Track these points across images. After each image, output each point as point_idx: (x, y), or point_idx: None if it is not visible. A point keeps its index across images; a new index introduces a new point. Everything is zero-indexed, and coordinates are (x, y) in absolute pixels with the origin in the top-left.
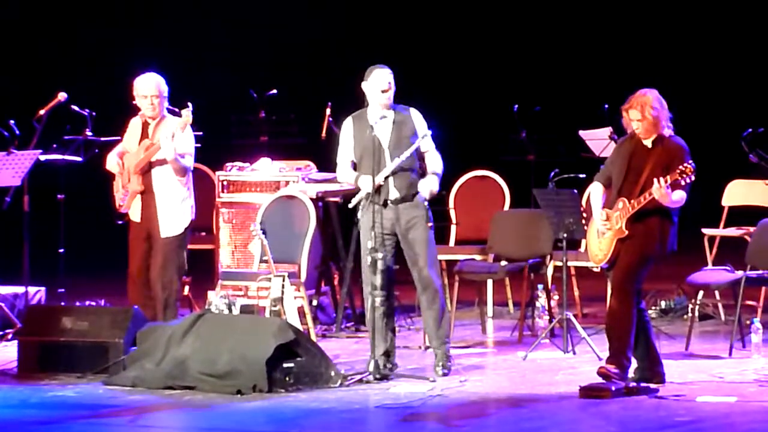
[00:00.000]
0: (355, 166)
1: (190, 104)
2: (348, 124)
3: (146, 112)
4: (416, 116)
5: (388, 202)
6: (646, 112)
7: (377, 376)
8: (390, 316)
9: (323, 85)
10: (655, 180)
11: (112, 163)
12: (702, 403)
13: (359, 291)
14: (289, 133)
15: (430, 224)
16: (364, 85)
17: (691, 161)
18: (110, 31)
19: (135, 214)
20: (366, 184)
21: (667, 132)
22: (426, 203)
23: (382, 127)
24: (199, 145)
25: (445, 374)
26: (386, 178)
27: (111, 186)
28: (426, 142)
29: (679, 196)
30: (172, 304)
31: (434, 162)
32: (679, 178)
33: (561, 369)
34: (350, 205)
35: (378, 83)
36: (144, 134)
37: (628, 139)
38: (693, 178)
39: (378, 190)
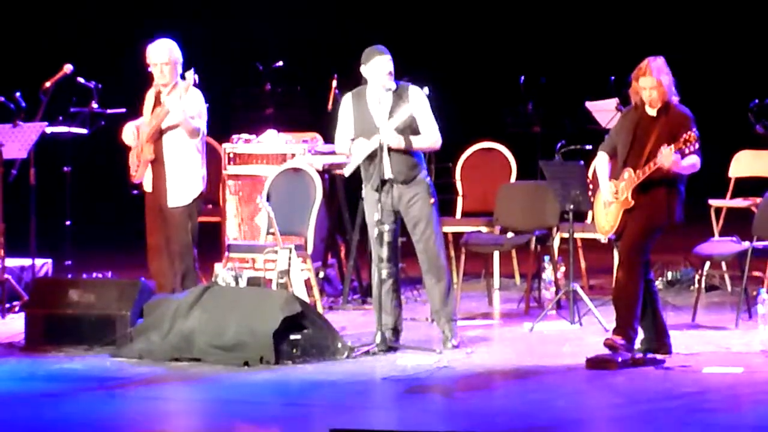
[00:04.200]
0: None
1: (193, 68)
2: (347, 102)
3: (158, 80)
4: (414, 94)
5: (387, 181)
6: (661, 78)
7: (383, 348)
8: (396, 290)
9: (329, 56)
10: (663, 147)
11: (127, 133)
12: (708, 374)
13: (365, 263)
14: (295, 105)
15: (432, 200)
16: (363, 69)
17: (695, 129)
18: (116, 2)
19: (147, 185)
20: (359, 150)
21: (675, 99)
22: (428, 179)
23: (381, 104)
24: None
25: (455, 347)
26: (380, 158)
27: (122, 157)
28: (423, 121)
29: (692, 162)
30: (190, 274)
31: (425, 134)
32: (683, 146)
33: (567, 340)
34: (346, 174)
35: (379, 71)
36: (157, 104)
37: (633, 110)
38: (697, 146)
39: (372, 164)
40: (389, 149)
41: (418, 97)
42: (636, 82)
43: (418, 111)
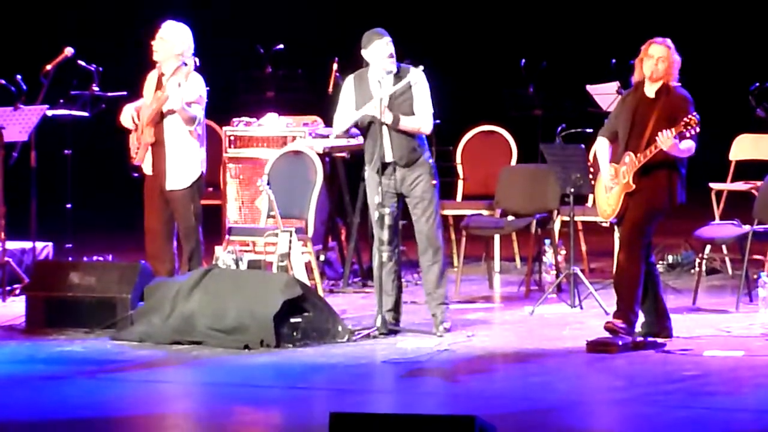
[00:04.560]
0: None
1: (193, 55)
2: (349, 83)
3: (154, 55)
4: (415, 76)
5: (388, 164)
6: (671, 52)
7: (384, 331)
8: (397, 272)
9: (330, 39)
10: (661, 132)
11: (126, 116)
12: (709, 357)
13: (366, 246)
14: (296, 88)
15: (434, 182)
16: (364, 53)
17: (695, 112)
18: None
19: (147, 167)
20: (352, 115)
21: (674, 84)
22: (431, 161)
23: (382, 87)
24: (206, 100)
25: (446, 330)
26: (381, 141)
27: (122, 140)
28: (418, 103)
29: (688, 146)
30: (196, 255)
31: (417, 115)
32: (684, 130)
33: (568, 324)
34: (334, 133)
35: (379, 54)
36: (159, 86)
37: (632, 92)
38: (698, 129)
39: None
40: (388, 129)
41: (418, 79)
42: (645, 49)
43: (415, 92)
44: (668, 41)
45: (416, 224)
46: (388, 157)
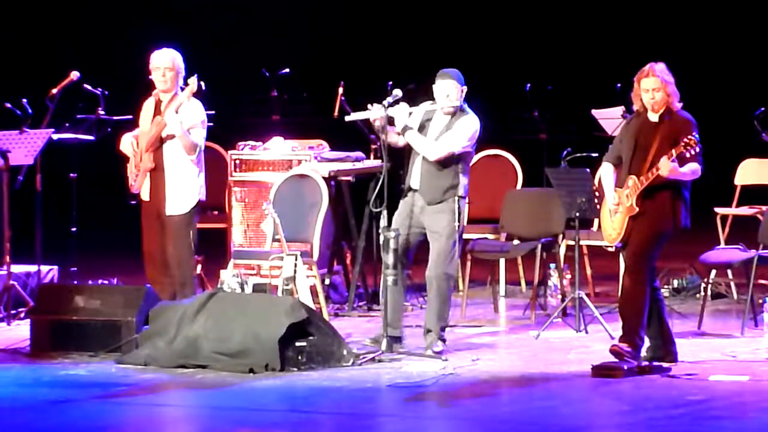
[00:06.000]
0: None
1: (196, 75)
2: (423, 105)
3: (159, 86)
4: (460, 119)
5: (411, 189)
6: (665, 80)
7: (388, 350)
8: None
9: (335, 63)
10: (663, 159)
11: (125, 144)
12: (714, 382)
13: (371, 270)
14: (301, 112)
15: (457, 224)
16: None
17: (695, 133)
18: (122, 9)
19: (145, 193)
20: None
21: (678, 105)
22: (460, 203)
23: (438, 119)
24: (211, 123)
25: (436, 352)
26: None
27: (124, 166)
28: (445, 135)
29: (693, 168)
30: (188, 282)
31: (435, 142)
32: (684, 150)
33: (573, 348)
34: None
35: (437, 93)
36: (157, 112)
37: (635, 117)
38: (697, 149)
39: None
40: (421, 162)
41: (459, 122)
42: (638, 84)
43: (452, 128)
44: (655, 68)
45: (429, 257)
46: (413, 184)
